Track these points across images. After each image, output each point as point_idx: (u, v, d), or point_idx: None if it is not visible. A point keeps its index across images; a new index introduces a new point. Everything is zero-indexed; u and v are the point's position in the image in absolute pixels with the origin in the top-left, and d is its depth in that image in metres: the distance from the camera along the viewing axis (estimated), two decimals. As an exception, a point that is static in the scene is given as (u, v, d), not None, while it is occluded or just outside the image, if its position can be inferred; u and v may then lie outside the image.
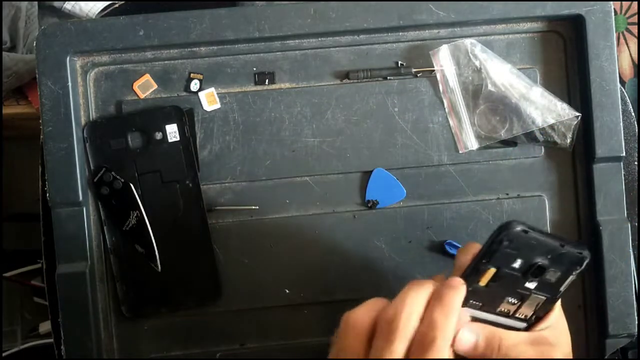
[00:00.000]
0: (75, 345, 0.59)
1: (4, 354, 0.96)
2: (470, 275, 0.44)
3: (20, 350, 0.97)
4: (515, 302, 0.46)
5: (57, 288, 0.59)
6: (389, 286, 0.62)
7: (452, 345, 0.43)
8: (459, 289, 0.42)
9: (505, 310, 0.46)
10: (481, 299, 0.45)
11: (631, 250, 0.61)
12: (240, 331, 0.62)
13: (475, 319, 0.45)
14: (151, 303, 0.61)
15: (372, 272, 0.62)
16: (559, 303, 0.48)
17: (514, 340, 0.45)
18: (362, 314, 0.43)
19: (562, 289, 0.46)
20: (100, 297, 0.61)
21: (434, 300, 0.42)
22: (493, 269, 0.44)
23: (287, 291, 0.62)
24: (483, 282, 0.44)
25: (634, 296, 0.61)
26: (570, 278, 0.46)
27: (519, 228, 0.42)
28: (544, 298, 0.46)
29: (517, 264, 0.44)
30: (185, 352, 0.62)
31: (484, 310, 0.45)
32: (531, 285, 0.45)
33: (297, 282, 0.62)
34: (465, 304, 0.44)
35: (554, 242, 0.44)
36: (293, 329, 0.62)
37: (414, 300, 0.42)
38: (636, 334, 0.61)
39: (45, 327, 0.98)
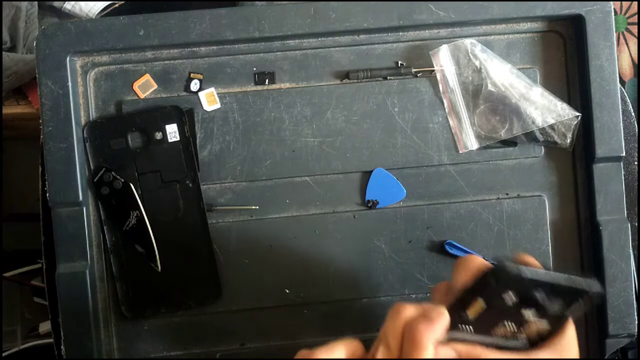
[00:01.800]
0: (75, 345, 0.59)
1: (4, 354, 0.96)
2: (457, 306, 0.43)
3: (20, 350, 0.97)
4: (513, 326, 0.45)
5: (57, 288, 0.59)
6: (389, 286, 0.62)
7: None
8: (434, 322, 0.42)
9: (503, 333, 0.46)
10: (473, 325, 0.44)
11: (631, 250, 0.61)
12: (240, 331, 0.62)
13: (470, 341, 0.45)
14: (151, 303, 0.61)
15: (372, 272, 0.62)
16: (569, 323, 0.47)
17: None
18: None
19: (567, 313, 0.46)
20: (100, 297, 0.61)
21: (406, 334, 0.41)
22: (482, 301, 0.43)
23: (287, 291, 0.62)
24: (472, 314, 0.43)
25: (634, 296, 0.61)
26: (575, 305, 0.45)
27: (510, 271, 0.42)
28: (546, 322, 0.46)
29: (509, 297, 0.43)
30: (185, 352, 0.62)
31: (478, 333, 0.45)
32: (529, 312, 0.45)
33: (297, 282, 0.62)
34: (454, 327, 0.44)
35: (552, 278, 0.43)
36: (293, 329, 0.62)
37: (389, 338, 0.42)
38: (636, 334, 0.61)
39: (45, 327, 0.98)
